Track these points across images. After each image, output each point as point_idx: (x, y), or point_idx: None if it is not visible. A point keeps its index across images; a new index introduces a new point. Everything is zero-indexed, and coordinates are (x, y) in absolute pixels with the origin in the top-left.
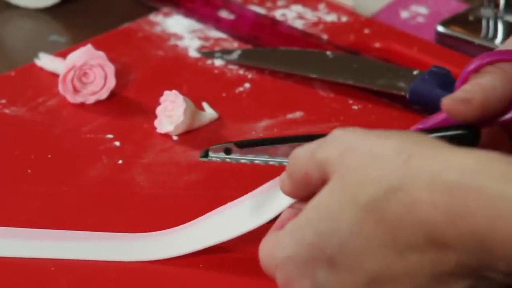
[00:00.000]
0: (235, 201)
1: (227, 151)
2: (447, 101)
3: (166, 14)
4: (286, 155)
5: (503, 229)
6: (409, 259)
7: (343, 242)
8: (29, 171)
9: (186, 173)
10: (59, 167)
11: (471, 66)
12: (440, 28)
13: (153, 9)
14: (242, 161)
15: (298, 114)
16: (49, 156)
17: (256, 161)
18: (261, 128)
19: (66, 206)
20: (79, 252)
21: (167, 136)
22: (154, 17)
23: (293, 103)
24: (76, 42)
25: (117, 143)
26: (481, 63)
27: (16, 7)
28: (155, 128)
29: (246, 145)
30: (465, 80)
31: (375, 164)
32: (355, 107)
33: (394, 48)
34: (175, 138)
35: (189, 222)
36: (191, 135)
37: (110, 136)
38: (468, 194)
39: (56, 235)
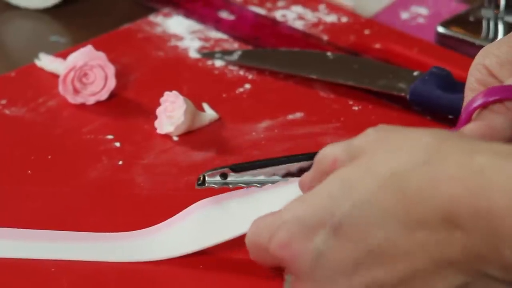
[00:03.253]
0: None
1: (223, 176)
2: None
3: (166, 15)
4: (282, 175)
5: None
6: (416, 237)
7: (355, 209)
8: (29, 171)
9: (187, 174)
10: (59, 168)
11: (478, 103)
12: (441, 29)
13: (153, 10)
14: (240, 184)
15: (298, 115)
16: (49, 156)
17: (253, 183)
18: (261, 129)
19: (67, 207)
20: (79, 253)
21: (167, 136)
22: (154, 18)
23: (294, 104)
24: (77, 43)
25: (117, 144)
26: (487, 100)
27: (16, 8)
28: (155, 129)
29: (241, 169)
30: (470, 116)
31: (408, 144)
32: (356, 108)
33: (394, 49)
34: (175, 138)
35: (182, 215)
36: (191, 136)
37: (110, 136)
38: (496, 173)
39: (56, 236)
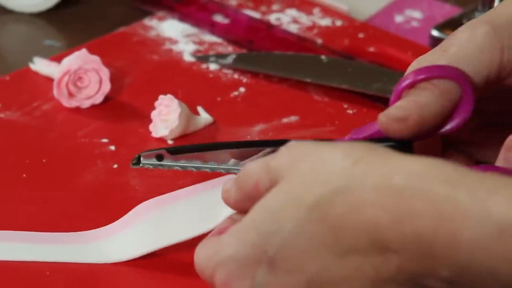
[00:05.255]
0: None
1: (159, 158)
2: (383, 119)
3: (161, 19)
4: (218, 160)
5: (446, 231)
6: (350, 262)
7: (285, 242)
8: (24, 175)
9: (181, 177)
10: (54, 172)
11: (406, 82)
12: (435, 33)
13: (147, 14)
14: (175, 167)
15: (293, 118)
16: (44, 160)
17: (189, 168)
18: (255, 132)
19: (62, 211)
20: (74, 255)
21: (162, 140)
22: (149, 22)
23: (288, 107)
24: (71, 47)
25: (112, 147)
26: (415, 79)
27: (11, 12)
28: (150, 133)
29: (177, 151)
30: (399, 96)
31: (323, 167)
32: (350, 112)
33: (388, 53)
34: (170, 142)
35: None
36: (186, 140)
37: (105, 140)
38: (415, 196)
39: (50, 238)
